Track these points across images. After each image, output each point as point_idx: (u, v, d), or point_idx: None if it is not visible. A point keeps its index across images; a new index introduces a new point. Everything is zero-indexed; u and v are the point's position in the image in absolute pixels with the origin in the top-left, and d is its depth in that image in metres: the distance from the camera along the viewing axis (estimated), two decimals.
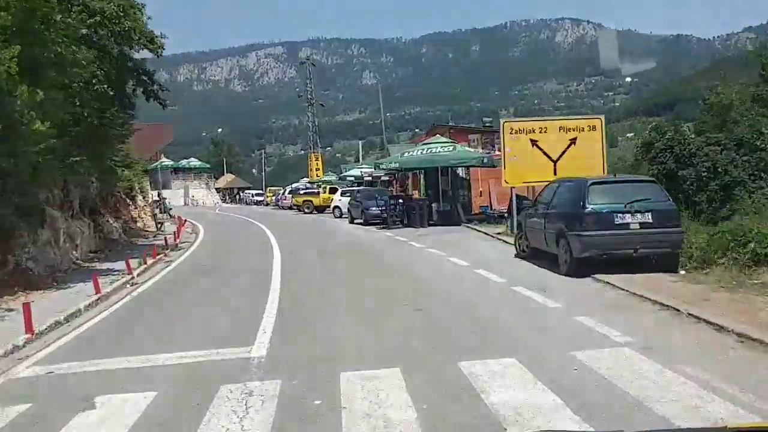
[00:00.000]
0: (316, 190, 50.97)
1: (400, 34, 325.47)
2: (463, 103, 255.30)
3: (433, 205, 28.45)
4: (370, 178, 50.96)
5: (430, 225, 27.02)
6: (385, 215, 29.06)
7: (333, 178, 64.23)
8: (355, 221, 33.35)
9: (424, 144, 29.70)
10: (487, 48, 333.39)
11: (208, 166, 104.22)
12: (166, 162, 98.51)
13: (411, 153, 28.79)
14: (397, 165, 29.82)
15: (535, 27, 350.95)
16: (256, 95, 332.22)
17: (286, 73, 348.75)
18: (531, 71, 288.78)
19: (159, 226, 38.39)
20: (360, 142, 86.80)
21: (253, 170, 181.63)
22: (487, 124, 36.49)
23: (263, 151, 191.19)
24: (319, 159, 79.80)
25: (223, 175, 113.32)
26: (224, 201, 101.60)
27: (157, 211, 59.24)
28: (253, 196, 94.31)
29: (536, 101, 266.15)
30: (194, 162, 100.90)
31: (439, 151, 27.55)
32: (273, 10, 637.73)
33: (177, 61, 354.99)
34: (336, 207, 40.90)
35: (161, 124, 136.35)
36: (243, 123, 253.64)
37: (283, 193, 61.12)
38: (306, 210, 48.71)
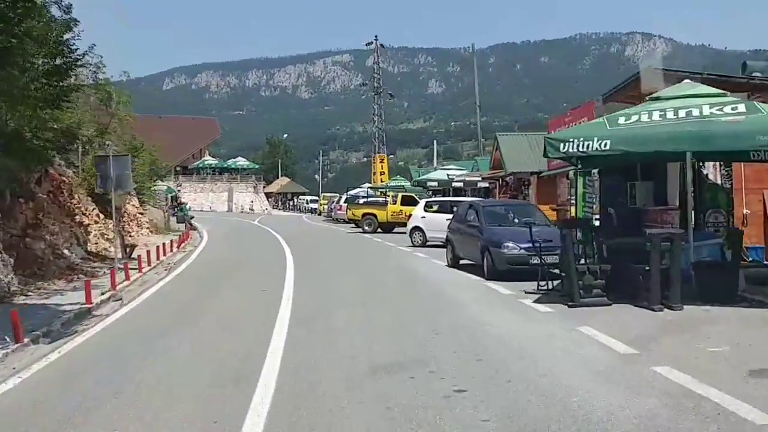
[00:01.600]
0: (381, 200, 33.79)
1: (467, 44, 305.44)
2: (530, 114, 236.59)
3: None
4: (460, 184, 33.88)
5: (666, 300, 9.76)
6: (548, 263, 12.00)
7: (405, 183, 47.20)
8: (462, 262, 16.48)
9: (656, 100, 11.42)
10: (555, 60, 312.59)
11: (256, 166, 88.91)
12: (210, 161, 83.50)
13: (637, 119, 10.82)
14: (609, 147, 10.20)
15: (605, 40, 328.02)
16: (322, 102, 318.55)
17: (352, 81, 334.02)
18: (599, 84, 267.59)
19: (126, 251, 21.89)
20: (435, 146, 69.23)
21: (316, 176, 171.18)
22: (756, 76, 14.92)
23: (325, 155, 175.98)
24: (385, 161, 63.21)
25: (278, 178, 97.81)
26: (276, 207, 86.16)
27: (173, 218, 43.39)
28: (308, 203, 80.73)
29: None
30: (241, 162, 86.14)
31: (710, 115, 10.08)
32: (341, 18, 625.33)
33: (246, 66, 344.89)
34: (416, 229, 23.65)
35: (207, 118, 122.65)
36: (308, 129, 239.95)
37: (338, 202, 44.50)
38: (366, 227, 31.78)
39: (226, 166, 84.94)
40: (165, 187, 53.58)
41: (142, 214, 33.72)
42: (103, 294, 14.05)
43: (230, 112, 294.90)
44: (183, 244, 27.29)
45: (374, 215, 31.63)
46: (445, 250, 17.71)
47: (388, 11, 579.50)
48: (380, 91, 67.92)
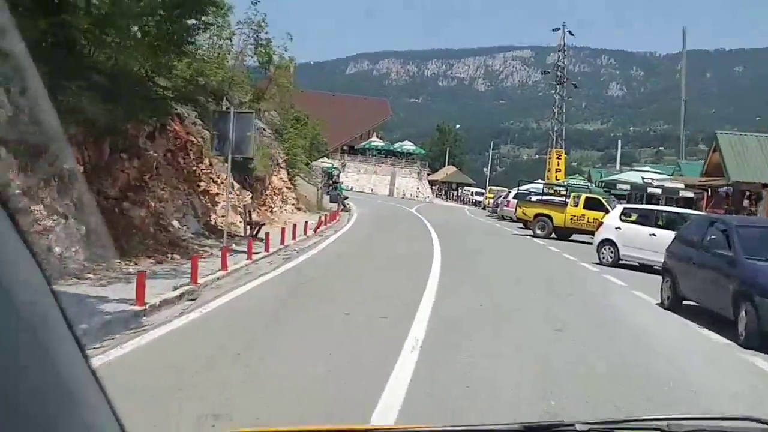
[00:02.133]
0: (559, 200, 27.97)
1: (652, 48, 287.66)
2: (716, 126, 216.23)
3: None
4: (657, 191, 27.58)
5: None
6: None
7: (582, 182, 40.86)
8: (685, 303, 10.98)
9: None
10: (751, 70, 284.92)
11: (422, 152, 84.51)
12: (376, 142, 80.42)
13: None
14: None
15: None
16: (498, 95, 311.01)
17: (531, 77, 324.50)
18: None
19: (252, 228, 18.02)
20: (619, 147, 61.53)
21: (484, 169, 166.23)
22: None
23: (496, 149, 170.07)
24: (562, 158, 56.66)
25: (444, 167, 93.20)
26: (439, 195, 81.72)
27: (326, 197, 40.01)
28: (472, 195, 75.42)
29: None
30: (408, 146, 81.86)
31: None
32: (523, 14, 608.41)
33: (426, 56, 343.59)
34: (607, 243, 17.90)
35: (378, 98, 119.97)
36: (481, 121, 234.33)
37: (506, 197, 39.13)
38: (538, 231, 26.28)
39: (391, 149, 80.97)
40: (328, 164, 50.69)
41: (289, 188, 30.29)
42: (175, 289, 10.03)
43: (406, 99, 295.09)
44: (322, 227, 23.30)
45: (549, 217, 26.04)
46: (660, 281, 12.07)
47: (573, 10, 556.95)
48: (563, 80, 61.07)
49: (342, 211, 36.52)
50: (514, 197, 37.33)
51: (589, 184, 41.00)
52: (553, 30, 59.12)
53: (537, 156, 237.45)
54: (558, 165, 56.50)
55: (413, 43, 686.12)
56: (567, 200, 26.81)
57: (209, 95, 20.29)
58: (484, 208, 56.75)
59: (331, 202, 38.70)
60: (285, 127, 32.28)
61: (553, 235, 25.97)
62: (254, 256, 14.02)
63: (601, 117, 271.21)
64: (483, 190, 76.78)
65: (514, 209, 33.13)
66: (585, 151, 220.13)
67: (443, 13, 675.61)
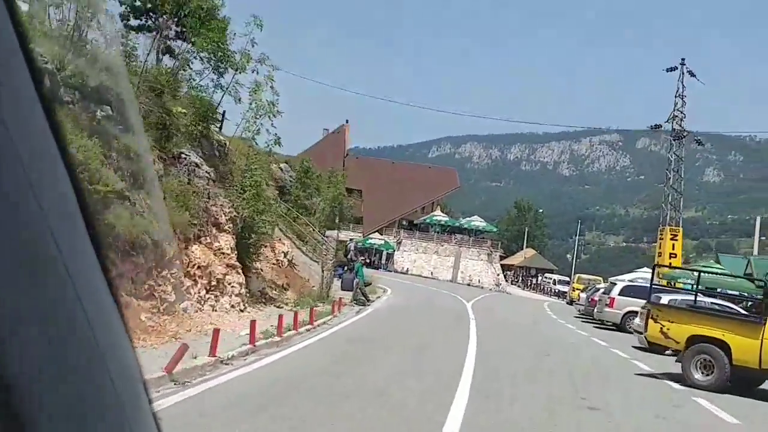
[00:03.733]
0: (737, 310, 13.25)
1: (753, 131, 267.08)
2: None
3: None
4: None
5: None
6: None
7: (723, 272, 25.86)
8: None
9: None
10: None
11: (494, 229, 70.85)
12: (439, 216, 67.00)
13: None
14: None
15: None
16: (583, 180, 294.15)
17: (618, 161, 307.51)
18: None
19: None
20: (758, 225, 44.67)
21: (567, 255, 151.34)
22: None
23: (581, 236, 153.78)
24: (679, 238, 41.52)
25: (522, 249, 78.65)
26: (515, 282, 67.47)
27: (338, 281, 26.69)
28: (554, 283, 61.68)
29: None
30: (477, 222, 68.16)
31: None
32: (610, 95, 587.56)
33: (509, 140, 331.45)
34: None
35: (446, 168, 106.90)
36: (565, 206, 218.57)
37: (608, 292, 25.14)
38: (699, 375, 11.92)
39: (458, 225, 67.86)
40: (352, 236, 37.74)
41: (234, 267, 17.03)
42: None
43: (488, 182, 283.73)
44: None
45: (723, 345, 11.75)
46: None
47: (663, 91, 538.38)
48: (682, 135, 46.20)
49: (357, 303, 23.31)
50: (620, 294, 23.57)
51: (724, 271, 26.12)
52: (667, 70, 44.44)
53: (624, 244, 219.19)
54: (673, 248, 41.33)
55: (495, 127, 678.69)
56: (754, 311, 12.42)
57: None
58: (570, 303, 42.46)
59: (343, 289, 25.32)
60: (250, 168, 19.24)
61: (729, 385, 11.71)
62: None
63: (696, 204, 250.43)
64: (568, 279, 62.68)
65: (621, 313, 19.25)
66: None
67: (525, 98, 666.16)
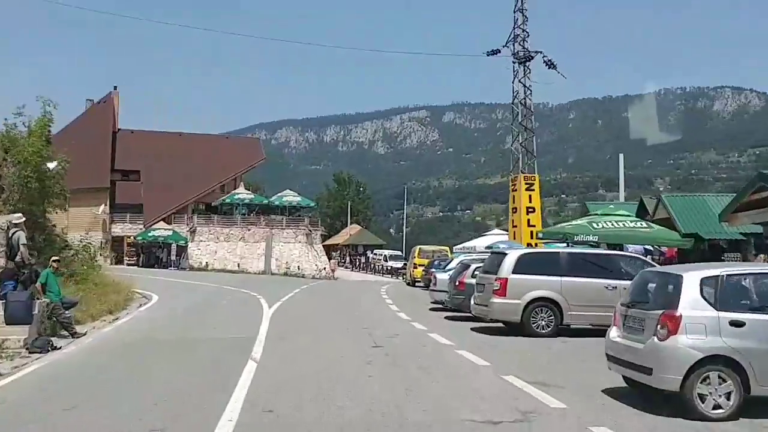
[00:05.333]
0: None
1: (545, 100, 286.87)
2: (613, 170, 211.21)
3: None
4: None
5: None
6: None
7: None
8: None
9: None
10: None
11: (311, 204, 63.24)
12: (242, 194, 58.02)
13: None
14: None
15: (691, 95, 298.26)
16: (398, 157, 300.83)
17: (428, 136, 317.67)
18: (687, 140, 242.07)
19: None
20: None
21: (391, 230, 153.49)
22: None
23: (400, 210, 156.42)
24: (536, 184, 36.47)
25: (346, 226, 76.29)
26: (342, 263, 63.92)
27: None
28: (386, 260, 56.40)
29: (693, 171, 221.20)
30: (290, 197, 59.42)
31: None
32: (418, 77, 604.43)
33: (324, 123, 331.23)
34: None
35: (246, 137, 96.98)
36: (384, 184, 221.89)
37: (493, 270, 14.94)
38: None
39: (267, 202, 58.64)
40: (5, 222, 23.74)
41: None
42: None
43: (308, 166, 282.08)
44: None
45: None
46: None
47: (467, 69, 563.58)
48: (529, 55, 39.28)
49: (37, 350, 11.64)
50: (516, 268, 14.50)
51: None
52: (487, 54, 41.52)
53: (441, 213, 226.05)
54: (530, 201, 35.35)
55: (309, 110, 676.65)
56: None
57: None
58: (412, 284, 36.63)
59: (8, 323, 12.51)
60: None
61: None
62: None
63: (500, 170, 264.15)
64: (400, 253, 60.41)
65: (522, 303, 14.13)
66: (488, 204, 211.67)
67: (337, 80, 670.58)
